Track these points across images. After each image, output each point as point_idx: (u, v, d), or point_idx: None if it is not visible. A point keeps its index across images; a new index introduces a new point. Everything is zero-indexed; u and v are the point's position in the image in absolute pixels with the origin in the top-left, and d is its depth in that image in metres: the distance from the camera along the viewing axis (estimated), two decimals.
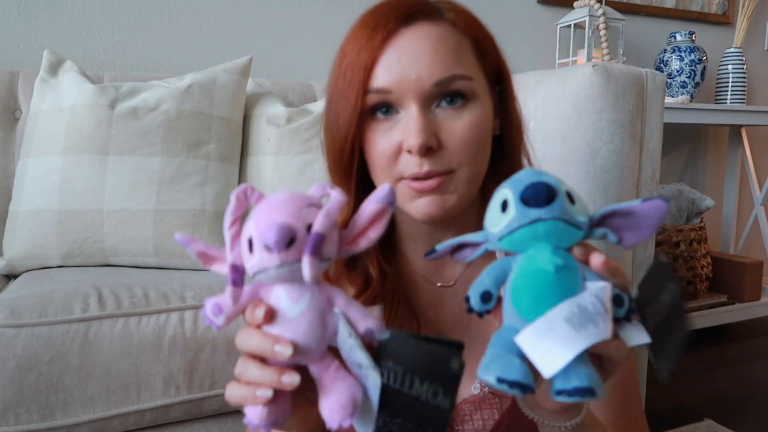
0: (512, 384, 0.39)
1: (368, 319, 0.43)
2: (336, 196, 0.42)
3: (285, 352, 0.40)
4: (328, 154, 0.64)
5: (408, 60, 0.56)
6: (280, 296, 0.42)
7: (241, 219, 0.42)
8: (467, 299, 0.43)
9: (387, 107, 0.58)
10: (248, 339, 0.42)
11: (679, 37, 2.13)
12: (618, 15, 1.98)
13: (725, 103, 2.20)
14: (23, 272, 1.10)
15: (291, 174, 1.22)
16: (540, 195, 0.40)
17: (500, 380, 0.39)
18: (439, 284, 0.67)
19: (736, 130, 2.39)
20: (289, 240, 0.39)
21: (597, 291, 0.39)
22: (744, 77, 2.20)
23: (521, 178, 0.42)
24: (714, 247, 2.43)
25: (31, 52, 1.45)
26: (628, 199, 0.99)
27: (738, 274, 2.16)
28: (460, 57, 0.58)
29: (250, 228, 0.41)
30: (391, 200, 0.43)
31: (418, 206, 0.58)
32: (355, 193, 0.62)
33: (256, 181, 1.25)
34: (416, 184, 0.57)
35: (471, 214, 0.65)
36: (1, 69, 1.34)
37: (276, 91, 1.41)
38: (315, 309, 0.42)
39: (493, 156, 0.63)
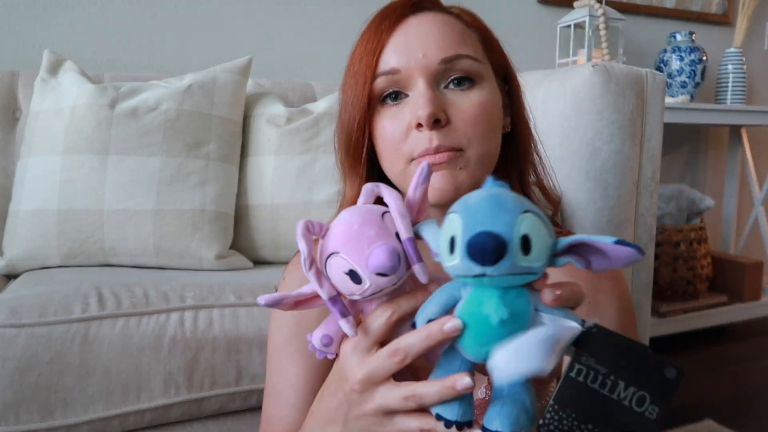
0: (449, 423, 0.40)
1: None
2: (390, 193, 0.44)
3: (456, 324, 0.39)
4: (339, 145, 0.65)
5: (415, 40, 0.58)
6: (383, 299, 0.45)
7: (315, 257, 0.43)
8: (413, 325, 0.42)
9: (396, 93, 0.60)
10: (415, 347, 0.41)
11: (679, 37, 2.13)
12: (618, 15, 1.98)
13: (725, 103, 2.20)
14: (23, 272, 1.10)
15: (291, 174, 1.22)
16: (487, 252, 0.36)
17: (439, 417, 0.41)
18: None
19: (736, 130, 2.39)
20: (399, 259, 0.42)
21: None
22: (744, 77, 2.20)
23: (474, 212, 0.38)
24: (714, 247, 2.43)
25: (31, 52, 1.45)
26: (628, 199, 0.99)
27: (738, 274, 2.16)
28: (466, 40, 0.60)
29: (345, 260, 0.42)
30: (430, 173, 0.45)
31: (431, 183, 0.58)
32: (365, 181, 0.62)
33: (256, 181, 1.25)
34: (427, 160, 0.57)
35: None
36: (1, 69, 1.34)
37: (276, 91, 1.41)
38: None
39: (505, 153, 0.65)
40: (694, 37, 2.13)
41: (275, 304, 0.44)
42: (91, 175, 1.09)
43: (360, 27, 0.63)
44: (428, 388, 0.41)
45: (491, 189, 0.40)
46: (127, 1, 1.55)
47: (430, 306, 0.41)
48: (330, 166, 1.21)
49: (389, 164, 0.61)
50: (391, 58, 0.59)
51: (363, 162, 0.63)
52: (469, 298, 0.40)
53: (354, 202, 0.61)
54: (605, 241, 0.37)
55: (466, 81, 0.59)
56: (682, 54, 2.10)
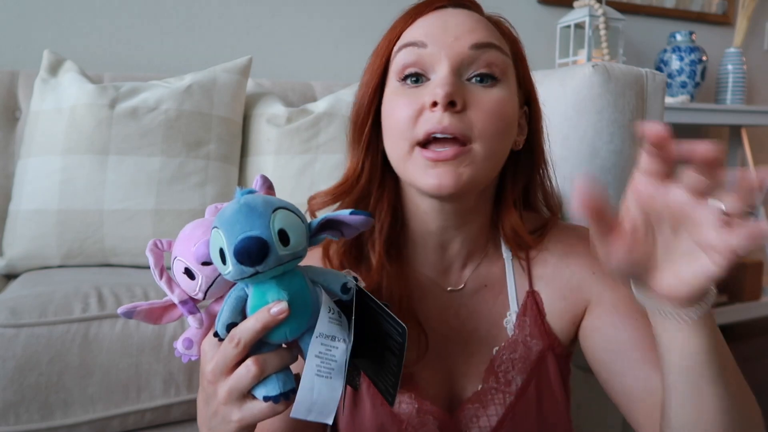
0: (277, 398, 0.45)
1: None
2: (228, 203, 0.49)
3: (282, 306, 0.44)
4: (351, 120, 0.64)
5: (451, 25, 0.58)
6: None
7: (164, 267, 0.49)
8: (216, 335, 0.46)
9: (417, 75, 0.58)
10: (249, 331, 0.45)
11: (679, 37, 2.13)
12: (618, 15, 1.98)
13: (725, 103, 2.20)
14: (23, 272, 1.10)
15: (291, 174, 1.22)
16: (253, 254, 0.42)
17: (266, 398, 0.45)
18: (449, 288, 0.66)
19: (736, 130, 2.39)
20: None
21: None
22: (744, 77, 2.20)
23: (232, 223, 0.43)
24: None
25: (31, 52, 1.45)
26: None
27: (738, 274, 2.16)
28: (498, 36, 0.61)
29: (181, 263, 0.47)
30: (265, 183, 0.51)
31: (430, 178, 0.56)
32: (366, 159, 0.63)
33: None
34: (431, 153, 0.55)
35: (480, 215, 0.65)
36: (1, 69, 1.34)
37: (276, 91, 1.41)
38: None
39: (514, 170, 0.64)
40: (694, 37, 2.13)
41: (130, 313, 0.49)
42: (91, 175, 1.09)
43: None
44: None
45: (241, 199, 0.45)
46: (127, 1, 1.55)
47: (225, 313, 0.46)
48: (330, 165, 1.21)
49: (392, 146, 0.59)
50: (420, 31, 0.58)
51: (366, 135, 0.62)
52: (253, 294, 0.45)
53: (354, 177, 0.63)
54: (343, 214, 0.47)
55: (489, 79, 0.57)
56: (682, 54, 2.10)
